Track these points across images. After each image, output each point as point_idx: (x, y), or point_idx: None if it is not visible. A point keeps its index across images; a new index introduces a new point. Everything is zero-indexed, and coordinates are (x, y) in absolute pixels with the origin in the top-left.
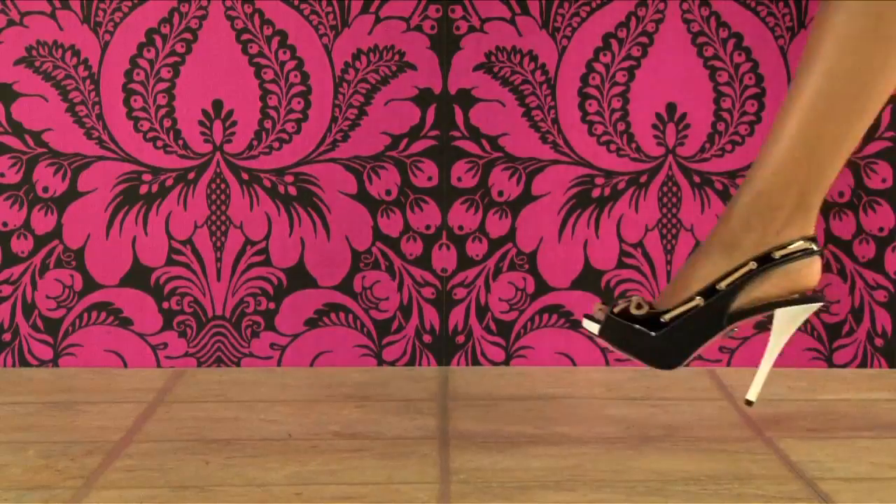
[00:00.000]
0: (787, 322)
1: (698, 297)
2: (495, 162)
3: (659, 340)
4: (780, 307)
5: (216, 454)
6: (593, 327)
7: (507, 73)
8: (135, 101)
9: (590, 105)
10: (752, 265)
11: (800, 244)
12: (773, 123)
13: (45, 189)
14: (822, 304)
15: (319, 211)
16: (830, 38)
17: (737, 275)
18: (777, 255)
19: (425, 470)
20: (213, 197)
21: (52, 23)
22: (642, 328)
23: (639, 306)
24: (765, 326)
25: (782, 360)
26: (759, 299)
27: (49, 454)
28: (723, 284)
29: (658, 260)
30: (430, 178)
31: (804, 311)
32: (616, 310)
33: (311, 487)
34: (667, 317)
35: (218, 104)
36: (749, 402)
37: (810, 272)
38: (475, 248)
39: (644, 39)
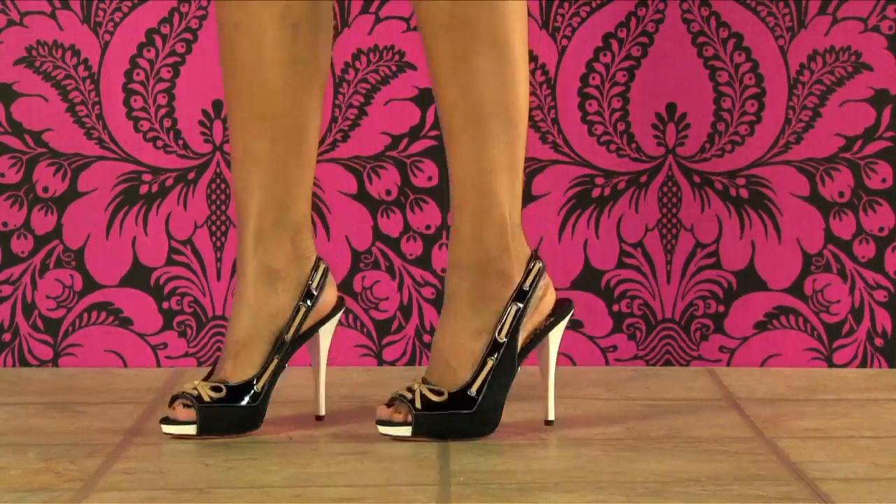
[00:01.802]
0: (556, 340)
1: (490, 360)
2: None
3: (478, 413)
4: (550, 329)
5: (216, 456)
6: (404, 431)
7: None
8: (135, 101)
9: (590, 105)
10: (517, 306)
11: (533, 267)
12: (454, 175)
13: (45, 189)
14: (573, 311)
15: (319, 211)
16: (452, 81)
17: (509, 320)
18: (526, 286)
19: (425, 472)
20: (213, 197)
21: (52, 23)
22: (456, 410)
23: (438, 393)
24: (765, 326)
25: (782, 361)
26: (532, 331)
27: (49, 456)
28: (501, 336)
29: (658, 260)
30: (430, 178)
31: (565, 323)
32: (418, 405)
33: (311, 489)
34: (472, 389)
35: (218, 104)
36: (549, 422)
37: (550, 286)
38: None
39: (644, 39)
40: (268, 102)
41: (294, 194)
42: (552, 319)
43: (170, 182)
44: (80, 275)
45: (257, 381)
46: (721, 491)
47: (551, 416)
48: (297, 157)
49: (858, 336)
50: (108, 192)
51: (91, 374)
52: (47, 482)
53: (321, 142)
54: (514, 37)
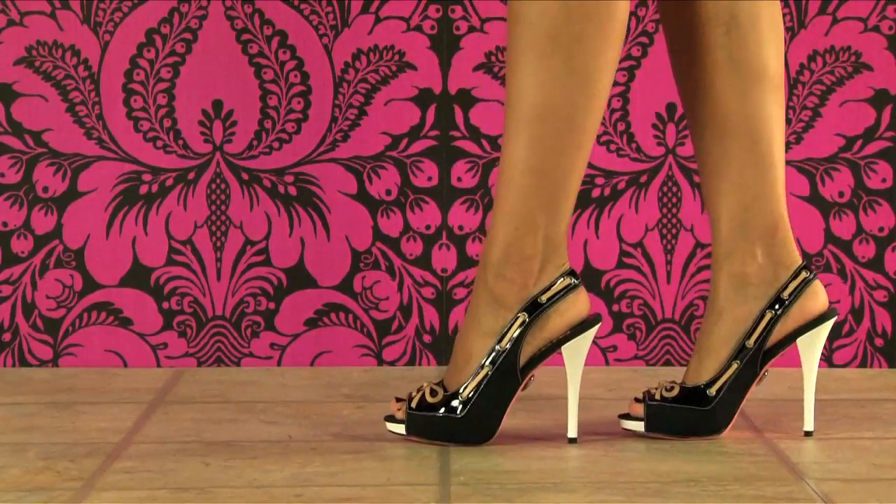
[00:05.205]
0: (574, 356)
1: (486, 365)
2: (495, 162)
3: (467, 419)
4: (563, 344)
5: (216, 455)
6: (399, 428)
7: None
8: (135, 101)
9: None
10: (524, 316)
11: (561, 282)
12: (499, 175)
13: (45, 189)
14: (599, 324)
15: (319, 211)
16: (530, 81)
17: (512, 330)
18: (543, 299)
19: (425, 472)
20: (213, 197)
21: (52, 23)
22: (446, 413)
23: (433, 393)
24: None
25: (782, 361)
26: (544, 344)
27: (49, 455)
28: (503, 343)
29: (658, 260)
30: (430, 178)
31: (586, 340)
32: (413, 404)
33: (311, 489)
34: (463, 393)
35: (218, 104)
36: (573, 440)
37: (578, 303)
38: (475, 248)
39: (644, 39)
40: (713, 105)
41: (757, 198)
42: (568, 333)
43: (170, 182)
44: (80, 275)
45: (712, 385)
46: (721, 491)
47: (572, 434)
48: (752, 158)
49: (858, 336)
50: (108, 192)
51: (91, 374)
52: (47, 482)
53: (321, 141)
54: None
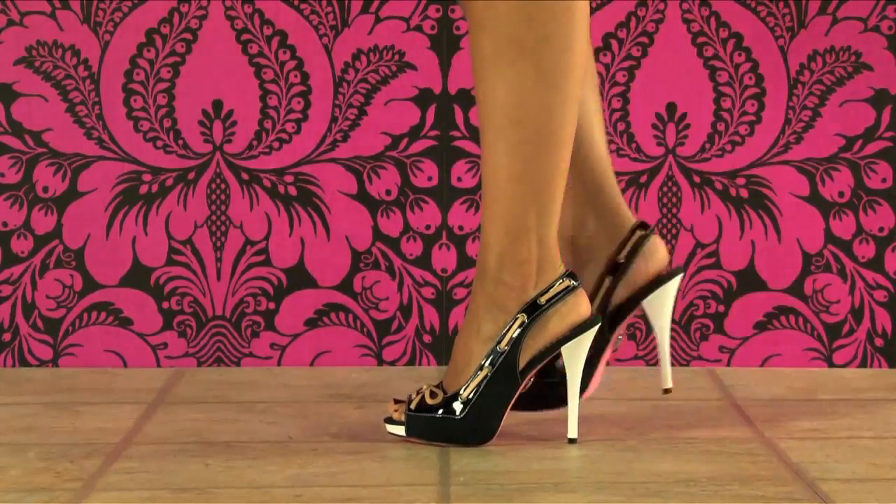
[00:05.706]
0: (574, 356)
1: (486, 366)
2: None
3: (466, 420)
4: (563, 344)
5: (216, 456)
6: (399, 430)
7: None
8: (135, 101)
9: None
10: (523, 318)
11: (560, 284)
12: (483, 183)
13: (45, 189)
14: (598, 324)
15: (319, 211)
16: (500, 87)
17: (511, 331)
18: (542, 301)
19: (425, 472)
20: (213, 197)
21: (52, 23)
22: (445, 415)
23: (433, 395)
24: (765, 326)
25: (782, 361)
26: (543, 345)
27: (49, 456)
28: (502, 345)
29: None
30: (430, 178)
31: (586, 340)
32: (413, 405)
33: (312, 490)
34: (463, 394)
35: (218, 104)
36: (573, 440)
37: (579, 304)
38: (475, 248)
39: (644, 39)
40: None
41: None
42: (568, 334)
43: (170, 182)
44: (80, 275)
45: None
46: (721, 491)
47: (572, 434)
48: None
49: (858, 336)
50: (108, 192)
51: (91, 374)
52: (47, 482)
53: (321, 141)
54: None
